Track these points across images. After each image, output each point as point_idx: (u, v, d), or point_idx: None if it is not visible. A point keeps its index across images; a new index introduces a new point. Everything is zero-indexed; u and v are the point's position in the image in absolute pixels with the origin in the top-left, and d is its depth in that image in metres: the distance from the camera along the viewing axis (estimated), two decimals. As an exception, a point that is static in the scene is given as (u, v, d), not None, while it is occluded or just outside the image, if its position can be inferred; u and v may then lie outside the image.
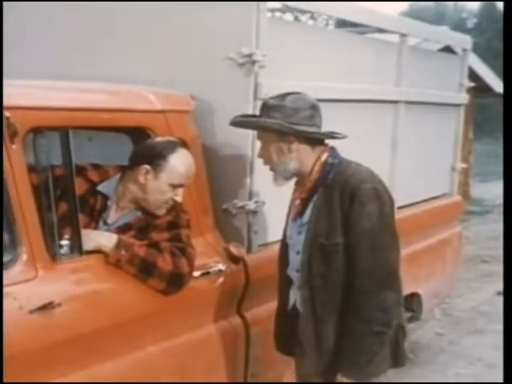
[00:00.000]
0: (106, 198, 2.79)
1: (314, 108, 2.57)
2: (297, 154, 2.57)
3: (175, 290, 2.65)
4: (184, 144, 2.75)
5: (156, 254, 2.60)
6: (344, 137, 2.64)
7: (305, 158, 2.58)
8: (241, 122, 2.73)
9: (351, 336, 2.50)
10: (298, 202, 2.67)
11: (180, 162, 2.70)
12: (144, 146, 2.76)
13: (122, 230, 2.69)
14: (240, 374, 3.10)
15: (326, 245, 2.51)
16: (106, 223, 2.76)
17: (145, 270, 2.57)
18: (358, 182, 2.50)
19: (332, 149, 2.63)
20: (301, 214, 2.64)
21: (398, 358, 2.68)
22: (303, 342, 2.66)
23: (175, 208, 2.75)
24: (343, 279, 2.52)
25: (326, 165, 2.57)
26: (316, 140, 2.60)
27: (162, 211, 2.72)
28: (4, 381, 2.03)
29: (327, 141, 2.65)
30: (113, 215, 2.78)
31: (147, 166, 2.67)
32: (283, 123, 2.50)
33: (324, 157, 2.59)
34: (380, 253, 2.49)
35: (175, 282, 2.63)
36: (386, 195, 2.56)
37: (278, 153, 2.57)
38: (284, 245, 2.77)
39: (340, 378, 2.55)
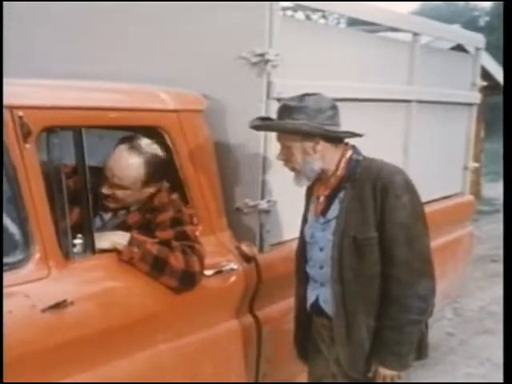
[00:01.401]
0: None
1: (334, 108, 2.58)
2: (321, 154, 2.57)
3: (187, 289, 2.65)
4: (133, 141, 2.69)
5: (168, 251, 2.60)
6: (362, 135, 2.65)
7: (329, 156, 2.59)
8: (266, 125, 2.71)
9: (392, 327, 2.52)
10: (321, 199, 2.67)
11: (114, 156, 2.67)
12: None
13: (122, 229, 2.68)
14: (251, 374, 3.10)
15: (360, 239, 2.52)
16: (102, 220, 2.78)
17: (157, 268, 2.57)
18: (390, 175, 2.54)
19: (353, 146, 2.65)
20: (325, 211, 2.64)
21: (422, 350, 2.70)
22: (335, 338, 2.64)
23: (175, 204, 2.75)
24: (379, 271, 2.53)
25: (352, 161, 2.60)
26: (338, 138, 2.60)
27: (111, 204, 2.72)
28: (4, 380, 2.02)
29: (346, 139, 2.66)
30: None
31: None
32: (313, 124, 2.49)
33: (349, 154, 2.61)
34: (415, 242, 2.52)
35: (187, 280, 2.63)
36: (414, 186, 2.60)
37: (302, 153, 2.56)
38: (302, 243, 2.77)
39: (380, 371, 2.56)
